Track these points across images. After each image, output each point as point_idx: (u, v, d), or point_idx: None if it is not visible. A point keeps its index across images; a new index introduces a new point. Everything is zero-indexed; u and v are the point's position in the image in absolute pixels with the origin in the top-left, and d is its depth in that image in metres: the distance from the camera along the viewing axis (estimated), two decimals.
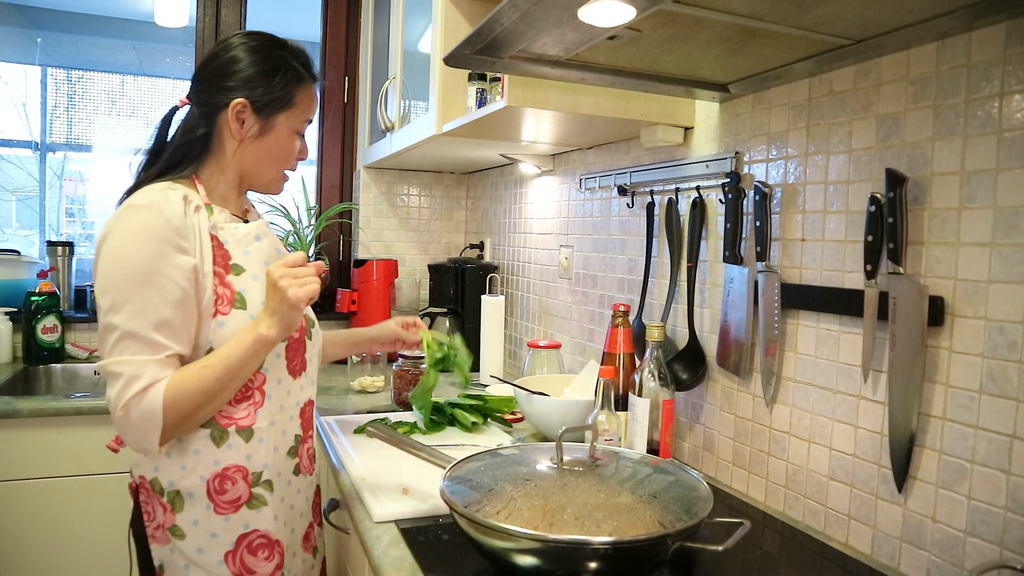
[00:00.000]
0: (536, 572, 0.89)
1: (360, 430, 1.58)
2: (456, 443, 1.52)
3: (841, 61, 1.08)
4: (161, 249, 1.04)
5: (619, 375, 1.41)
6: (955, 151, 0.94)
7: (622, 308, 1.45)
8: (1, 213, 2.87)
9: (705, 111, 1.45)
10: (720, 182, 1.36)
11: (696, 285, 1.45)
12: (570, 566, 0.88)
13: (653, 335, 1.34)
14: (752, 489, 1.31)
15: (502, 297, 2.20)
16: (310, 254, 2.77)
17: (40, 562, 2.00)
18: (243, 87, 1.14)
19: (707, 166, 1.41)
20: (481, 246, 2.69)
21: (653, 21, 0.95)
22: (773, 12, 0.91)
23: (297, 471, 1.23)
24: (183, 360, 1.08)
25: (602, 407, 1.31)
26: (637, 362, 1.42)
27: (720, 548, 0.88)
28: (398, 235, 2.86)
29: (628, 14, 0.91)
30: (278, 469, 1.18)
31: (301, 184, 2.83)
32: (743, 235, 1.31)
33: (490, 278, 2.33)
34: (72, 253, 2.63)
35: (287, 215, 2.70)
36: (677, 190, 1.51)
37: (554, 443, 1.06)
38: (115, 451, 1.22)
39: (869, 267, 1.03)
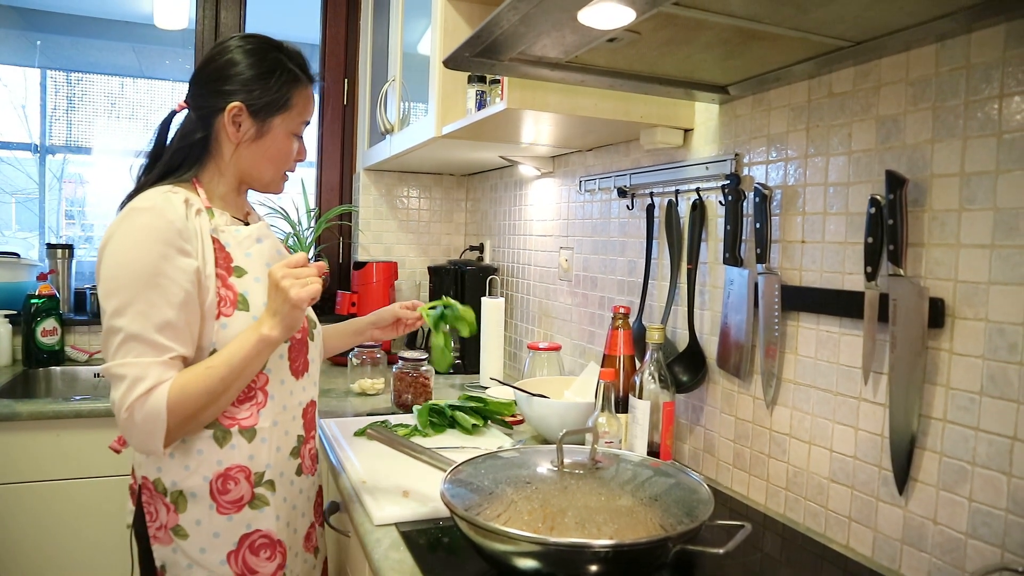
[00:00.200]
0: (537, 575, 0.89)
1: (360, 432, 1.58)
2: (456, 446, 1.51)
3: (841, 63, 1.08)
4: (164, 251, 1.04)
5: (619, 377, 1.41)
6: (955, 153, 0.94)
7: (622, 310, 1.45)
8: (1, 215, 2.87)
9: (705, 113, 1.45)
10: (720, 184, 1.36)
11: (696, 287, 1.45)
12: (571, 569, 0.87)
13: (653, 337, 1.34)
14: (752, 491, 1.31)
15: (502, 299, 2.20)
16: (310, 256, 2.77)
17: (40, 565, 1.99)
18: (239, 90, 1.14)
19: (707, 168, 1.41)
20: (481, 248, 2.69)
21: (653, 23, 0.95)
22: (773, 14, 0.91)
23: (299, 471, 1.24)
24: (187, 362, 1.08)
25: (602, 409, 1.31)
26: (637, 364, 1.42)
27: (721, 551, 0.88)
28: (398, 237, 2.86)
29: (628, 16, 0.91)
30: (280, 469, 1.18)
31: (301, 186, 2.83)
32: (743, 237, 1.31)
33: (490, 280, 2.33)
34: (72, 256, 2.62)
35: (287, 217, 2.70)
36: (677, 192, 1.51)
37: (554, 446, 1.06)
38: (117, 452, 1.23)
39: (869, 269, 1.03)
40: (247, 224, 1.23)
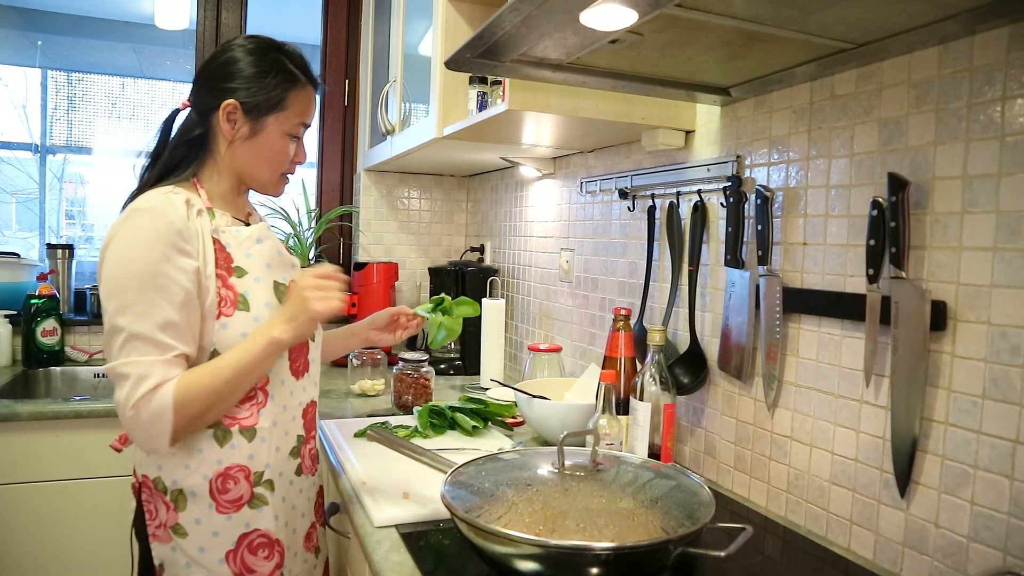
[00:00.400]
0: None
1: (360, 434, 1.57)
2: (456, 447, 1.51)
3: (843, 65, 1.08)
4: (165, 252, 1.05)
5: (620, 379, 1.41)
6: (957, 155, 0.94)
7: (623, 312, 1.44)
8: (1, 215, 2.87)
9: (706, 115, 1.45)
10: (721, 186, 1.36)
11: (697, 289, 1.45)
12: (571, 571, 0.87)
13: (654, 339, 1.33)
14: (753, 494, 1.31)
15: (502, 300, 2.20)
16: (310, 257, 2.77)
17: (39, 565, 1.99)
18: (235, 88, 1.14)
19: (708, 170, 1.41)
20: (482, 249, 2.69)
21: (655, 25, 0.95)
22: (775, 16, 0.91)
23: (299, 471, 1.24)
24: (189, 360, 1.08)
25: (603, 411, 1.31)
26: (638, 366, 1.42)
27: (723, 554, 0.88)
28: (398, 238, 2.86)
29: (630, 18, 0.91)
30: (280, 469, 1.19)
31: (301, 187, 2.82)
32: (744, 239, 1.31)
33: (490, 281, 2.33)
34: (72, 256, 2.62)
35: (287, 218, 2.70)
36: (678, 194, 1.51)
37: (554, 448, 1.06)
38: (118, 451, 1.23)
39: (871, 271, 1.03)
40: (248, 225, 1.23)
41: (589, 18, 0.92)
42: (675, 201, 1.51)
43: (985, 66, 0.91)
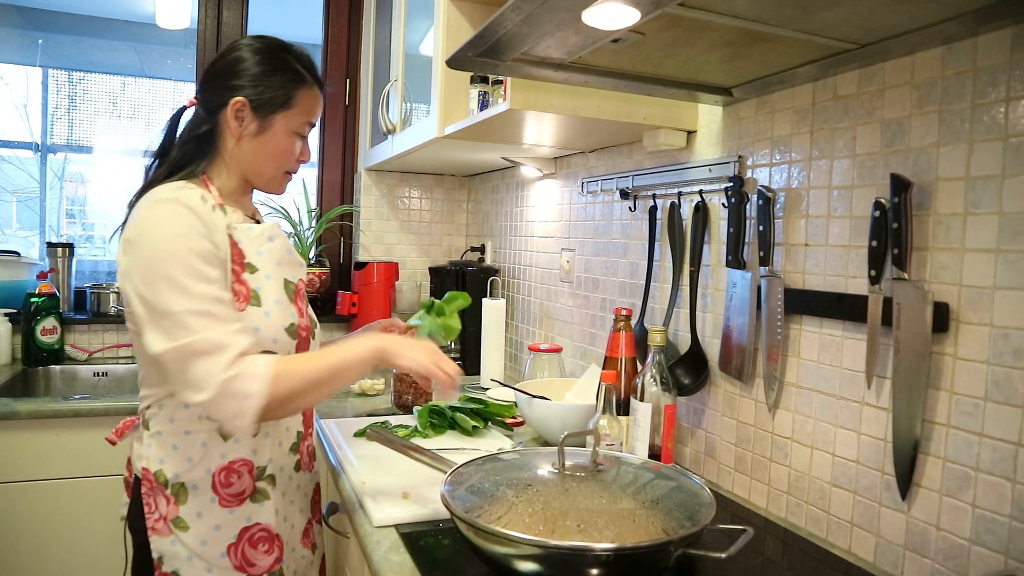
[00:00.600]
0: None
1: (360, 433, 1.57)
2: (456, 447, 1.51)
3: (845, 65, 1.08)
4: (198, 238, 1.06)
5: (621, 379, 1.40)
6: (960, 156, 0.94)
7: (624, 312, 1.44)
8: (1, 214, 2.87)
9: (708, 115, 1.44)
10: (723, 186, 1.36)
11: (698, 289, 1.44)
12: (572, 572, 0.87)
13: (655, 339, 1.33)
14: (754, 495, 1.30)
15: (503, 300, 2.19)
16: (311, 256, 2.77)
17: (38, 564, 1.99)
18: (243, 86, 1.15)
19: (710, 170, 1.40)
20: (482, 249, 2.69)
21: (657, 24, 0.94)
22: (778, 16, 0.91)
23: (298, 467, 1.26)
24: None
25: (603, 412, 1.30)
26: (639, 367, 1.41)
27: (723, 555, 0.88)
28: (399, 237, 2.86)
29: (632, 17, 0.91)
30: (281, 464, 1.20)
31: (302, 186, 2.82)
32: (746, 239, 1.30)
33: (491, 281, 2.33)
34: (72, 254, 2.62)
35: (288, 217, 2.70)
36: (680, 194, 1.50)
37: (554, 448, 1.05)
38: (113, 443, 1.23)
39: (873, 272, 1.03)
40: (258, 223, 1.24)
41: (591, 17, 0.92)
42: (676, 201, 1.50)
43: (989, 67, 0.90)
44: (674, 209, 1.50)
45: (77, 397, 2.06)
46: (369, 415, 1.81)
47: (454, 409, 1.66)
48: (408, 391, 1.88)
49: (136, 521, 1.14)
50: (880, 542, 1.05)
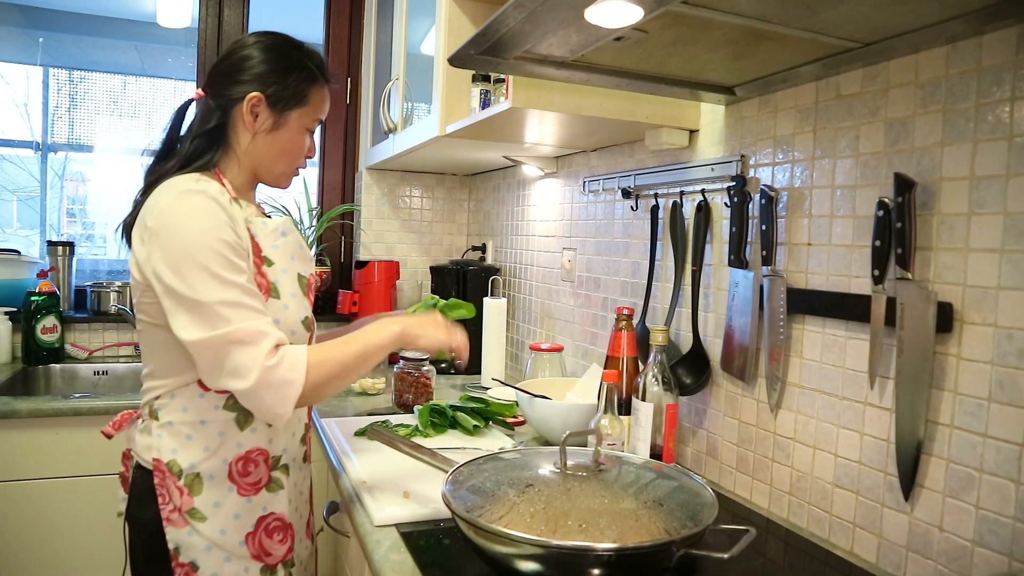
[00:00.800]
0: None
1: (361, 432, 1.57)
2: (457, 446, 1.51)
3: (849, 64, 1.07)
4: (224, 228, 1.06)
5: (622, 379, 1.40)
6: (965, 156, 0.93)
7: (625, 312, 1.44)
8: (2, 213, 2.86)
9: (711, 114, 1.44)
10: (725, 185, 1.35)
11: (700, 289, 1.44)
12: (573, 572, 0.86)
13: (657, 339, 1.33)
14: (756, 495, 1.30)
15: (504, 300, 2.19)
16: (312, 254, 2.77)
17: (38, 563, 1.98)
18: (259, 82, 1.16)
19: (712, 169, 1.40)
20: (483, 248, 2.68)
21: (660, 22, 0.94)
22: (781, 14, 0.90)
23: (304, 458, 1.28)
24: None
25: (605, 411, 1.30)
26: (640, 366, 1.41)
27: (726, 556, 0.87)
28: (400, 237, 2.85)
29: (635, 15, 0.91)
30: (293, 455, 1.22)
31: (303, 185, 2.82)
32: (748, 239, 1.30)
33: (492, 280, 2.32)
34: (72, 253, 2.62)
35: (289, 216, 2.69)
36: (682, 193, 1.50)
37: (556, 447, 1.05)
38: (109, 437, 1.23)
39: (876, 272, 1.02)
40: (269, 217, 1.25)
41: (594, 15, 0.91)
42: (678, 201, 1.50)
43: (993, 66, 0.90)
44: (676, 208, 1.50)
45: (77, 396, 2.06)
46: (370, 414, 1.80)
47: (455, 408, 1.66)
48: (409, 390, 1.87)
49: (139, 513, 1.13)
50: (883, 543, 1.05)
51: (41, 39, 2.87)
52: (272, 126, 1.18)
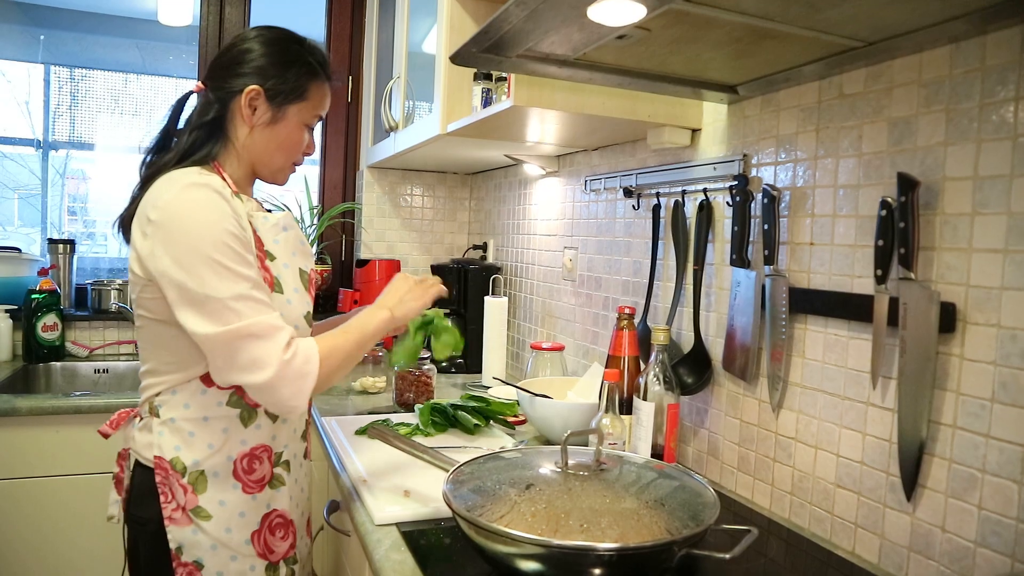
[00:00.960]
0: None
1: (361, 431, 1.57)
2: (458, 445, 1.50)
3: (852, 64, 1.07)
4: (231, 222, 1.05)
5: (624, 378, 1.40)
6: (968, 156, 0.93)
7: (627, 311, 1.43)
8: (3, 211, 2.86)
9: (713, 113, 1.43)
10: (727, 185, 1.35)
11: (702, 288, 1.44)
12: (574, 572, 0.86)
13: (658, 338, 1.32)
14: (757, 495, 1.30)
15: (505, 299, 2.19)
16: (313, 252, 2.76)
17: (39, 560, 1.98)
18: (258, 75, 1.15)
19: (714, 168, 1.40)
20: (484, 247, 2.68)
21: (663, 20, 0.94)
22: (785, 13, 0.90)
23: (305, 454, 1.27)
24: None
25: (606, 411, 1.30)
26: (642, 365, 1.41)
27: (728, 556, 0.87)
28: (401, 235, 2.85)
29: (638, 13, 0.90)
30: (294, 451, 1.22)
31: (304, 183, 2.82)
32: (750, 238, 1.30)
33: (493, 279, 2.32)
34: (73, 251, 2.62)
35: (288, 210, 2.69)
36: (683, 192, 1.50)
37: (557, 447, 1.05)
38: (106, 436, 1.20)
39: (879, 272, 1.02)
40: (270, 212, 1.24)
41: (597, 13, 0.91)
42: (680, 200, 1.50)
43: (997, 66, 0.90)
44: (678, 207, 1.49)
45: (78, 394, 2.06)
46: (370, 413, 1.80)
47: (456, 407, 1.65)
48: (410, 389, 1.87)
49: (139, 512, 1.11)
50: (884, 544, 1.05)
51: (42, 37, 2.86)
52: (270, 120, 1.17)
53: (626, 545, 0.84)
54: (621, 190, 1.73)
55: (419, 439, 1.53)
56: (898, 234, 0.98)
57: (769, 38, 1.00)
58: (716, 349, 1.40)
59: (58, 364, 2.45)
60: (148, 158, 1.19)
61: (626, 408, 1.38)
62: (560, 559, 0.85)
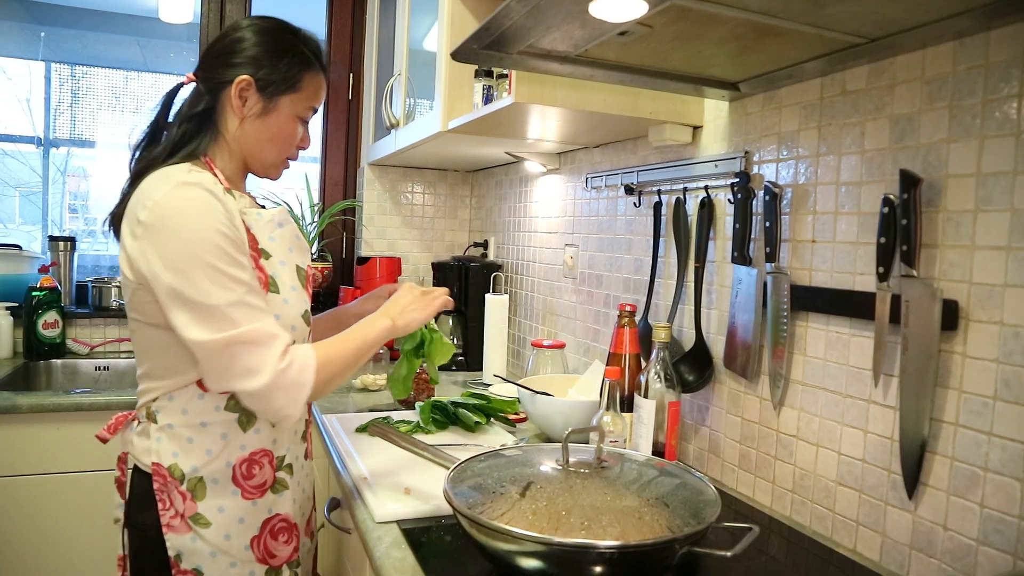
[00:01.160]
0: (540, 575, 0.88)
1: (362, 429, 1.57)
2: (459, 443, 1.50)
3: (855, 60, 1.07)
4: (223, 222, 1.02)
5: (625, 376, 1.39)
6: (971, 153, 0.93)
7: (628, 308, 1.43)
8: (4, 208, 2.86)
9: (714, 110, 1.43)
10: (729, 182, 1.35)
11: (703, 286, 1.43)
12: (575, 570, 0.86)
13: (659, 336, 1.32)
14: (758, 493, 1.30)
15: (506, 296, 2.19)
16: (313, 251, 2.76)
17: (39, 558, 1.99)
18: (249, 65, 1.12)
19: (716, 166, 1.39)
20: (485, 244, 2.68)
21: (665, 17, 0.93)
22: (787, 9, 0.89)
23: (306, 455, 1.25)
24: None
25: (607, 408, 1.30)
26: (643, 363, 1.41)
27: (729, 554, 0.87)
28: (401, 233, 2.85)
29: (640, 9, 0.90)
30: (296, 453, 1.20)
31: (304, 181, 2.82)
32: (752, 236, 1.29)
33: (494, 277, 2.32)
34: (74, 249, 2.62)
35: (290, 211, 2.69)
36: (685, 190, 1.49)
37: (557, 444, 1.04)
38: (104, 441, 1.18)
39: (881, 269, 1.01)
40: (264, 208, 1.21)
41: (598, 9, 0.91)
42: (681, 197, 1.49)
43: (1001, 62, 0.89)
44: (679, 205, 1.49)
45: (78, 391, 2.06)
46: (371, 410, 1.80)
47: (456, 405, 1.65)
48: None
49: (139, 517, 1.10)
50: (886, 542, 1.04)
51: (43, 34, 2.86)
52: (261, 111, 1.14)
53: (627, 543, 0.84)
54: (622, 187, 1.72)
55: (420, 437, 1.53)
56: (900, 231, 0.98)
57: (771, 35, 0.99)
58: (717, 347, 1.40)
59: (59, 361, 2.45)
60: (138, 152, 1.16)
61: (627, 406, 1.37)
62: (561, 557, 0.85)
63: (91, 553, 2.01)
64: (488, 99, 1.63)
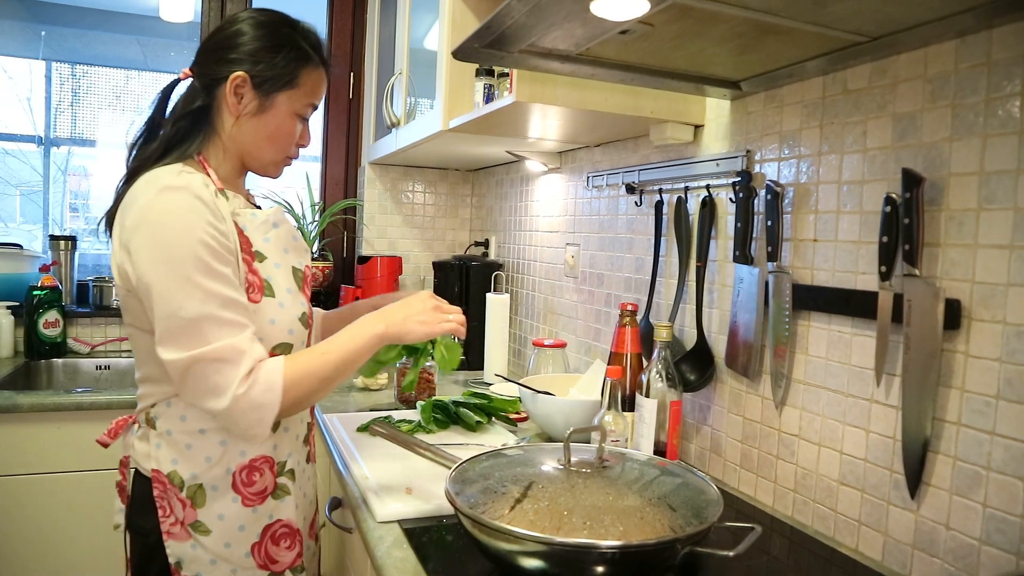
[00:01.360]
0: (542, 575, 0.87)
1: (363, 428, 1.57)
2: (460, 442, 1.50)
3: (856, 59, 1.06)
4: (208, 231, 0.99)
5: (626, 375, 1.39)
6: (974, 151, 0.92)
7: (629, 307, 1.43)
8: (5, 207, 2.86)
9: (716, 109, 1.43)
10: (730, 181, 1.34)
11: (705, 285, 1.43)
12: (577, 570, 0.86)
13: (661, 335, 1.32)
14: (760, 493, 1.29)
15: (507, 295, 2.18)
16: (314, 250, 2.76)
17: (39, 557, 1.99)
18: (244, 60, 1.08)
19: (717, 164, 1.39)
20: (486, 244, 2.68)
21: (666, 15, 0.93)
22: (789, 7, 0.89)
23: (308, 458, 1.24)
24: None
25: (608, 407, 1.29)
26: (644, 362, 1.40)
27: (731, 554, 0.86)
28: (402, 232, 2.85)
29: (641, 8, 0.90)
30: (297, 458, 1.18)
31: (305, 180, 2.81)
32: (754, 235, 1.29)
33: (495, 276, 2.32)
34: (75, 248, 2.61)
35: (291, 211, 2.69)
36: (686, 189, 1.49)
37: (559, 444, 1.04)
38: (105, 446, 1.17)
39: (883, 268, 1.01)
40: (259, 208, 1.19)
41: (600, 8, 0.91)
42: (683, 196, 1.49)
43: (1004, 60, 0.89)
44: (681, 204, 1.49)
45: (79, 390, 2.06)
46: (372, 410, 1.80)
47: (457, 404, 1.65)
48: None
49: (140, 522, 1.09)
50: (888, 541, 1.04)
51: (43, 33, 2.86)
52: (257, 109, 1.10)
53: (629, 543, 0.84)
54: (623, 186, 1.72)
55: (421, 436, 1.53)
56: (902, 230, 0.98)
57: (773, 33, 0.99)
58: (719, 346, 1.40)
59: (59, 361, 2.45)
60: (134, 150, 1.13)
61: (628, 405, 1.37)
62: (563, 557, 0.85)
63: (91, 553, 2.01)
64: (489, 98, 1.63)
